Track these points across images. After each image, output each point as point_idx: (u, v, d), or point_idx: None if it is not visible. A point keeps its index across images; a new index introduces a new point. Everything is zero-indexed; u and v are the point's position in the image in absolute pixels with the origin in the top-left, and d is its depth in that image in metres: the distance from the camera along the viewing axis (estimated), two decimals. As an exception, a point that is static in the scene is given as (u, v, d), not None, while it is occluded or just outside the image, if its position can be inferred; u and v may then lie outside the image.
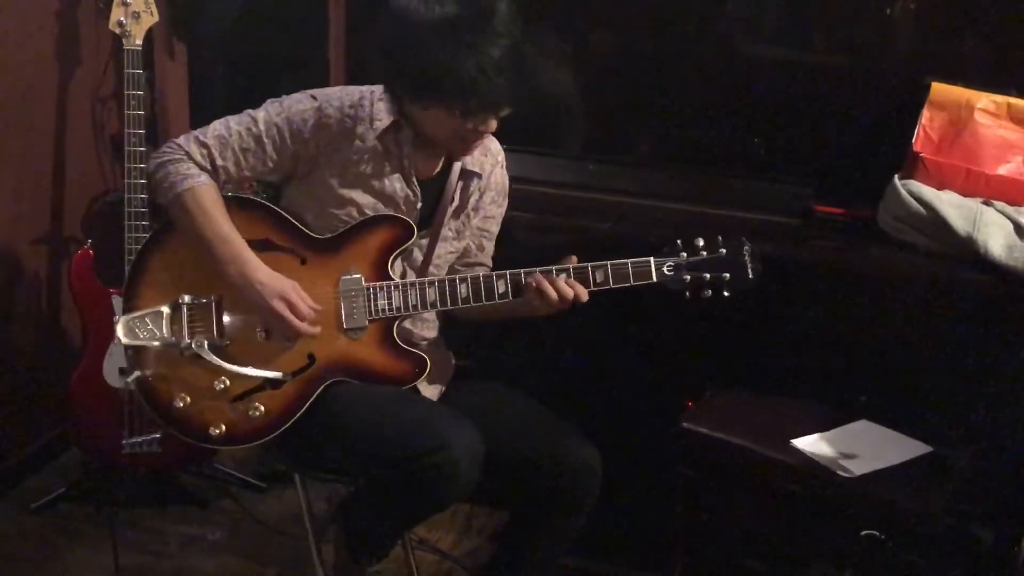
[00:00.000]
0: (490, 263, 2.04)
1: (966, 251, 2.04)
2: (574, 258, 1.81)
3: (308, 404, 1.81)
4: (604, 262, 1.80)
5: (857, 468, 1.86)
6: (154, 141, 2.58)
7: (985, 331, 2.06)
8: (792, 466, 1.89)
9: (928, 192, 2.09)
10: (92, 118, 2.64)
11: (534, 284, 1.78)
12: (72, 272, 2.37)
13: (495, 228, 2.03)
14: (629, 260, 1.80)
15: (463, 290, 1.81)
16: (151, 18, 2.32)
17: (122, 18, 2.29)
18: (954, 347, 2.09)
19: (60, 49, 2.49)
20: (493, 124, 1.77)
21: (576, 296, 1.78)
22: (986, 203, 2.09)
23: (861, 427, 2.03)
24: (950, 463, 1.91)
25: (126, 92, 2.29)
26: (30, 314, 2.59)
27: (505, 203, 2.03)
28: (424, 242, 1.90)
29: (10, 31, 2.35)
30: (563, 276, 1.78)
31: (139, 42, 2.31)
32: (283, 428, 1.81)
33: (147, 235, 2.07)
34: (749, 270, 1.81)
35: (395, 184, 1.85)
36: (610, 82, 2.46)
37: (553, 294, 1.76)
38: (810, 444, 1.94)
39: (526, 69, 1.70)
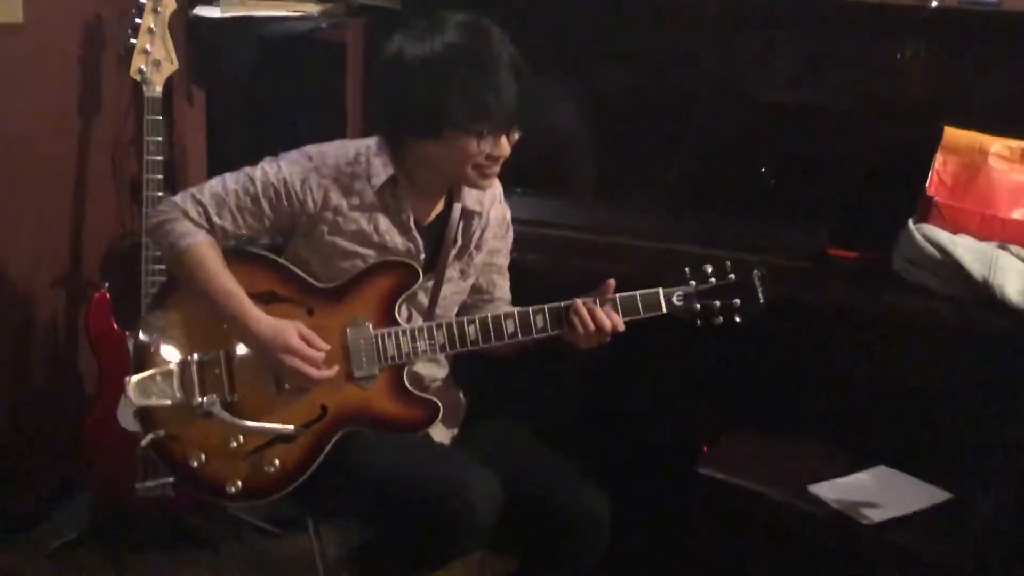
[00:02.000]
0: (508, 296, 2.03)
1: (982, 295, 2.03)
2: (611, 283, 1.80)
3: (322, 456, 1.80)
4: (613, 295, 1.80)
5: (876, 515, 1.83)
6: (172, 186, 2.61)
7: (1003, 375, 2.05)
8: (810, 513, 1.87)
9: (943, 236, 2.09)
10: (112, 163, 2.67)
11: (575, 312, 1.77)
12: (89, 315, 2.38)
13: (503, 260, 2.02)
14: (638, 292, 1.80)
15: (471, 332, 1.81)
16: (171, 66, 2.37)
17: (143, 66, 2.33)
18: (972, 391, 2.07)
19: (82, 95, 2.54)
20: (507, 147, 1.77)
21: (614, 325, 1.77)
22: (1002, 247, 2.09)
23: (879, 473, 2.01)
24: (971, 509, 1.89)
25: (145, 138, 2.33)
26: (46, 357, 2.60)
27: (509, 234, 2.03)
28: (429, 285, 1.90)
29: (34, 77, 2.40)
30: (598, 307, 1.77)
31: (159, 89, 2.35)
32: (298, 481, 1.80)
33: (164, 279, 2.09)
34: (760, 294, 1.80)
35: (396, 238, 1.85)
36: (625, 125, 2.48)
37: (591, 325, 1.76)
38: (828, 490, 1.91)
39: (527, 86, 1.73)
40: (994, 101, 2.25)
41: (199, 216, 1.80)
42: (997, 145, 2.18)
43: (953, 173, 2.19)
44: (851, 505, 1.86)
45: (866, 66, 2.32)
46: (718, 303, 1.80)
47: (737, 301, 1.80)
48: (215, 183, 1.83)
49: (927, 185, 2.19)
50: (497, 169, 1.83)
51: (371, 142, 1.86)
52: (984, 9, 2.27)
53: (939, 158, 2.20)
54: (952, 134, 2.21)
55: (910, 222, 2.15)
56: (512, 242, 2.04)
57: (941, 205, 2.16)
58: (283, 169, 1.82)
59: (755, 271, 1.81)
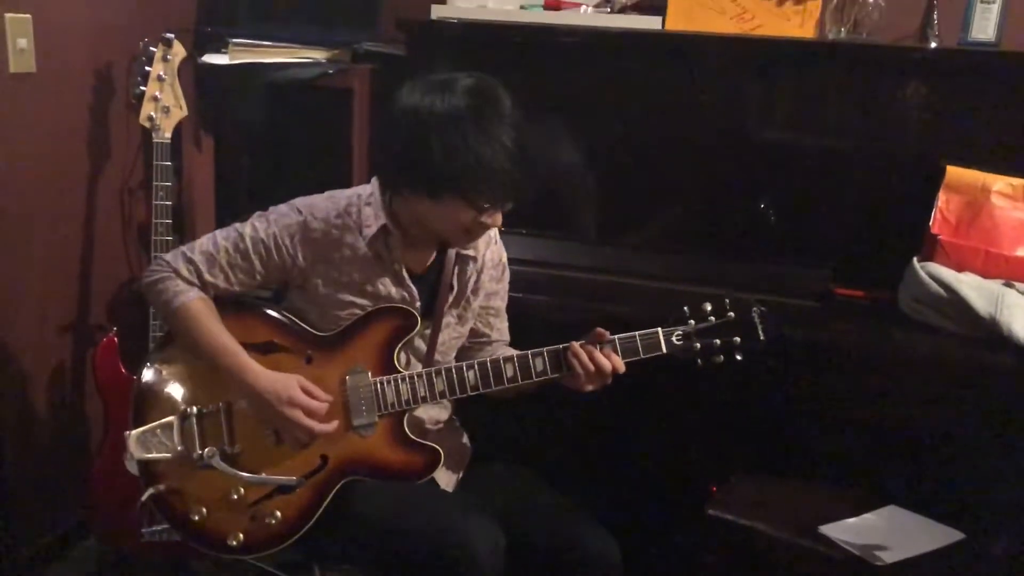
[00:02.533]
0: (507, 337, 2.03)
1: (989, 333, 2.02)
2: (601, 329, 1.78)
3: (324, 506, 1.79)
4: (612, 336, 1.79)
5: (888, 556, 1.81)
6: (180, 231, 2.64)
7: (1013, 412, 2.03)
8: (821, 554, 1.85)
9: (948, 274, 2.09)
10: (121, 208, 2.70)
11: (573, 355, 1.76)
12: (97, 359, 2.39)
13: (501, 303, 2.01)
14: (637, 333, 1.79)
15: (471, 377, 1.80)
16: (180, 112, 2.40)
17: (152, 113, 2.36)
18: (981, 430, 2.06)
19: (92, 142, 2.57)
20: (499, 219, 1.77)
21: (614, 367, 1.76)
22: (1007, 284, 2.09)
23: (890, 513, 1.99)
24: (984, 550, 1.87)
25: (154, 183, 2.35)
26: (54, 401, 2.60)
27: (506, 275, 2.02)
28: (427, 332, 1.89)
29: (45, 124, 2.43)
30: (597, 349, 1.77)
31: (168, 135, 2.38)
32: (300, 532, 1.79)
33: (161, 335, 2.09)
34: (760, 331, 1.79)
35: (390, 288, 1.85)
36: (628, 166, 2.49)
37: (591, 367, 1.75)
38: (839, 531, 1.89)
39: (533, 157, 1.72)
40: (995, 139, 2.26)
41: (190, 274, 1.81)
42: (1000, 183, 2.19)
43: (956, 211, 2.20)
44: (863, 547, 1.84)
45: (867, 106, 2.34)
46: (718, 341, 1.79)
47: (737, 339, 1.79)
48: (205, 241, 1.84)
49: (931, 223, 2.20)
50: (484, 233, 1.83)
51: (362, 190, 1.86)
52: (982, 49, 2.29)
53: (942, 196, 2.21)
54: (954, 172, 2.22)
55: (915, 260, 2.15)
56: (510, 283, 2.04)
57: (945, 243, 2.16)
58: (272, 224, 1.82)
59: (754, 308, 1.80)
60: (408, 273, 1.86)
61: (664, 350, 1.79)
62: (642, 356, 1.79)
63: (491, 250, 1.97)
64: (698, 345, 1.79)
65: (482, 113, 1.67)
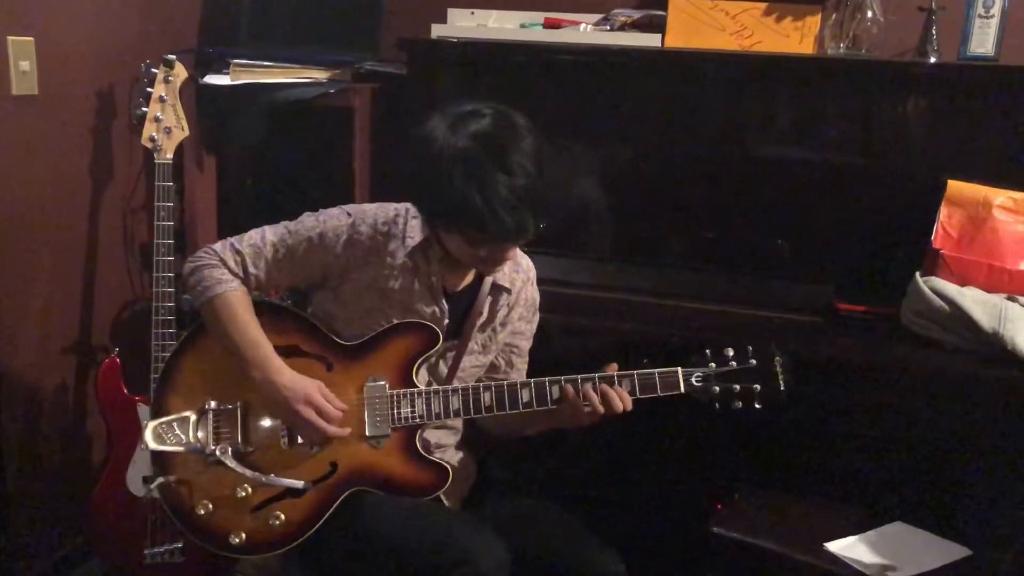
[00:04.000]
0: (524, 379, 2.02)
1: (992, 347, 2.02)
2: (614, 365, 1.80)
3: (328, 514, 1.80)
4: (631, 372, 1.79)
5: (894, 573, 1.80)
6: (183, 251, 2.64)
7: (1017, 427, 2.03)
8: (827, 572, 1.84)
9: (951, 289, 2.09)
10: (123, 228, 2.70)
11: (573, 393, 1.76)
12: (99, 380, 2.39)
13: (525, 344, 2.01)
14: (656, 370, 1.79)
15: (487, 398, 1.80)
16: (182, 133, 2.40)
17: (154, 134, 2.36)
18: (987, 444, 2.05)
19: (94, 163, 2.58)
20: (507, 253, 1.78)
21: (624, 406, 1.77)
22: (1010, 298, 2.08)
23: (896, 529, 1.98)
24: (991, 566, 1.85)
25: (156, 203, 2.35)
26: (56, 422, 2.60)
27: (536, 318, 2.03)
28: (451, 354, 1.90)
29: (48, 146, 2.44)
30: (604, 385, 1.77)
31: (170, 156, 2.38)
32: (303, 538, 1.79)
33: (174, 343, 2.10)
34: (781, 382, 1.79)
35: (423, 301, 1.86)
36: (630, 185, 2.50)
37: (599, 404, 1.76)
38: (844, 548, 1.89)
39: (537, 206, 1.69)
40: (996, 153, 2.26)
41: (236, 264, 1.84)
42: (1001, 197, 2.19)
43: (958, 225, 2.20)
44: (869, 564, 1.83)
45: (868, 121, 2.34)
46: (737, 387, 1.79)
47: (757, 387, 1.79)
48: (254, 234, 1.87)
49: (933, 238, 2.20)
50: (501, 266, 1.84)
51: (411, 205, 1.88)
52: (982, 64, 2.30)
53: (944, 211, 2.21)
54: (956, 187, 2.22)
55: (918, 275, 2.15)
56: (536, 327, 2.03)
57: (947, 257, 2.16)
58: (322, 223, 1.85)
59: (777, 357, 1.79)
60: (444, 289, 1.87)
61: (683, 389, 1.80)
62: (660, 393, 1.79)
63: (527, 290, 1.98)
64: (717, 388, 1.79)
65: (480, 158, 1.66)
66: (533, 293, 2.01)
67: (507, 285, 1.93)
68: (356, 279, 1.85)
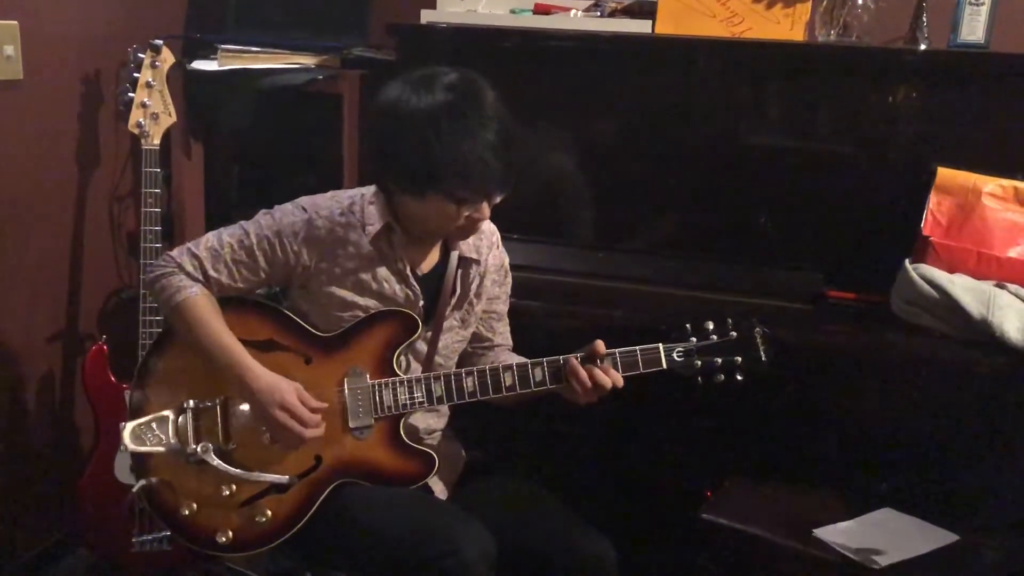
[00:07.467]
0: (509, 342, 2.03)
1: (981, 334, 2.02)
2: (600, 343, 1.78)
3: (315, 507, 1.79)
4: (612, 350, 1.78)
5: (883, 559, 1.81)
6: (170, 238, 2.62)
7: (1006, 414, 2.04)
8: (816, 558, 1.85)
9: (940, 276, 2.09)
10: (110, 216, 2.68)
11: (570, 371, 1.75)
12: (86, 367, 2.37)
13: (502, 307, 2.01)
14: (638, 347, 1.79)
15: (469, 383, 1.80)
16: (169, 119, 2.39)
17: (141, 119, 2.35)
18: (975, 431, 2.06)
19: (80, 149, 2.56)
20: (487, 211, 1.77)
21: (614, 383, 1.76)
22: (999, 285, 2.09)
23: (884, 515, 1.99)
24: (978, 552, 1.87)
25: (143, 190, 2.34)
26: (43, 410, 2.58)
27: (508, 280, 2.02)
28: (428, 335, 1.89)
29: (33, 132, 2.42)
30: (589, 365, 1.76)
31: (157, 142, 2.37)
32: (290, 533, 1.78)
33: (161, 328, 2.08)
34: (762, 352, 1.79)
35: (394, 286, 1.85)
36: (621, 172, 2.49)
37: (588, 382, 1.75)
38: (833, 534, 1.89)
39: (517, 151, 1.71)
40: (985, 141, 2.26)
41: (195, 270, 1.81)
42: (990, 184, 2.19)
43: (948, 213, 2.20)
44: (858, 549, 1.84)
45: (857, 108, 2.34)
46: (719, 360, 1.79)
47: (739, 359, 1.79)
48: (211, 237, 1.84)
49: (922, 225, 2.20)
50: (478, 227, 1.83)
51: (366, 191, 1.87)
52: (972, 51, 2.30)
53: (933, 198, 2.21)
54: (945, 174, 2.22)
55: (907, 262, 2.15)
56: (510, 287, 2.04)
57: (937, 245, 2.16)
58: (278, 221, 1.82)
59: (757, 328, 1.80)
60: (412, 272, 1.86)
61: (664, 366, 1.79)
62: (642, 371, 1.79)
63: (494, 254, 1.98)
64: (699, 363, 1.79)
65: (460, 108, 1.67)
66: (501, 256, 1.99)
67: (474, 256, 1.92)
68: (322, 273, 1.83)
